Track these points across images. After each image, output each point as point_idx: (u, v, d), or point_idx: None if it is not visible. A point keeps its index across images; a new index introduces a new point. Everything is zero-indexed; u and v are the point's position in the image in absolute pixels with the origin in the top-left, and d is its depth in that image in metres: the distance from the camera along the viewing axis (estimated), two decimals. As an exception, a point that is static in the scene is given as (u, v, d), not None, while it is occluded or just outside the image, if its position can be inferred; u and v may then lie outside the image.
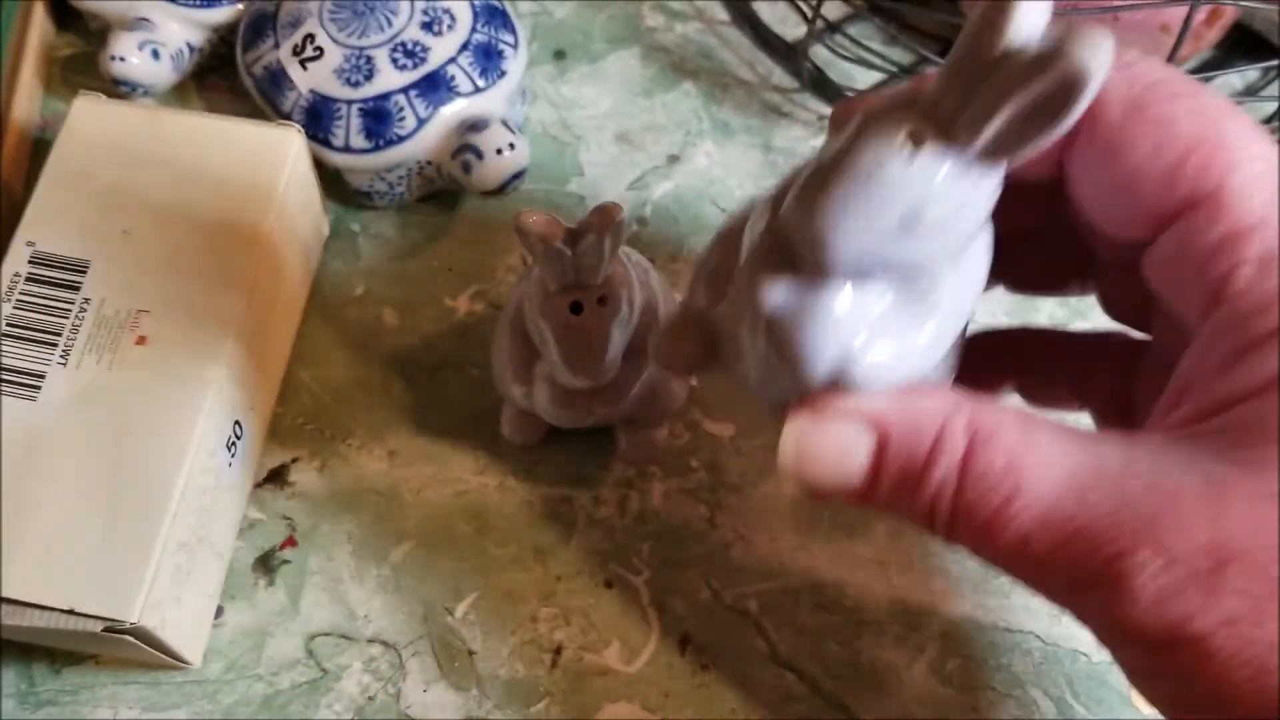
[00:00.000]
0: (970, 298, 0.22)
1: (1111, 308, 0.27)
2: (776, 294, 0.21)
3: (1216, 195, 0.21)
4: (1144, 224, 0.22)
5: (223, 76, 0.43)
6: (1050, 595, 0.21)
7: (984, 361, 0.27)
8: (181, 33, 0.40)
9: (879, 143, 0.19)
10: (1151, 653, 0.20)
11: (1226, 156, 0.20)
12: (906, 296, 0.21)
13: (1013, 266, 0.25)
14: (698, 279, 0.25)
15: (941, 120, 0.19)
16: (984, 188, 0.20)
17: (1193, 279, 0.21)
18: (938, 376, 0.23)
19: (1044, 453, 0.20)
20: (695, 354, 0.25)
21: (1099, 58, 0.17)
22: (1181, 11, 0.38)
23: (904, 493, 0.21)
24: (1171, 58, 0.34)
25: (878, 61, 0.42)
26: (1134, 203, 0.22)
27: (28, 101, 0.42)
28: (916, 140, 0.19)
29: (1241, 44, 0.43)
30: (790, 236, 0.20)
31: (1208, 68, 0.44)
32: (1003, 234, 0.22)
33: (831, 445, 0.22)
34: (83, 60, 0.43)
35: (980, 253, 0.22)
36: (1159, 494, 0.19)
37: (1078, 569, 0.20)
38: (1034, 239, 0.25)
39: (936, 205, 0.19)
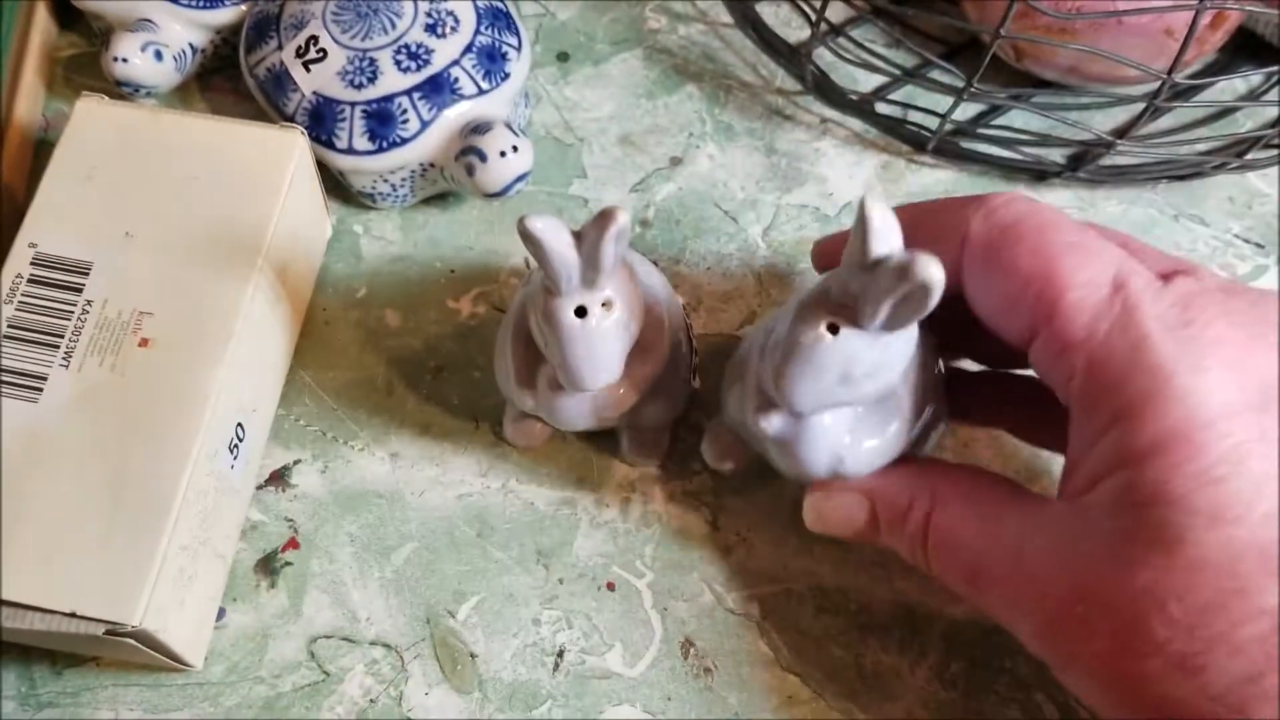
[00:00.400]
0: (922, 393, 0.30)
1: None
2: (774, 423, 0.29)
3: (1051, 321, 0.26)
4: (1015, 336, 0.28)
5: (226, 78, 0.43)
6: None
7: (981, 406, 0.35)
8: (184, 34, 0.40)
9: (808, 334, 0.27)
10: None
11: (1056, 288, 0.26)
12: (872, 406, 0.29)
13: (969, 346, 0.34)
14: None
15: (847, 311, 0.26)
16: (894, 345, 0.27)
17: (1055, 382, 0.27)
18: (906, 447, 0.31)
19: (973, 520, 0.29)
20: (736, 451, 0.35)
21: (937, 272, 0.24)
22: (1186, 17, 0.38)
23: (893, 536, 0.30)
24: (1176, 63, 0.34)
25: (880, 64, 0.42)
26: (1002, 322, 0.28)
27: (30, 102, 0.41)
28: (833, 330, 0.27)
29: (1245, 48, 0.44)
30: (772, 397, 0.29)
31: (1210, 72, 0.44)
32: (955, 322, 0.29)
33: (840, 511, 0.31)
34: (85, 61, 0.43)
35: (923, 362, 0.30)
36: (1030, 563, 0.27)
37: (997, 600, 0.28)
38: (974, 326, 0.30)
39: (859, 365, 0.27)
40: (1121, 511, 0.25)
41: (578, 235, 0.28)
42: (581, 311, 0.29)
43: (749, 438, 0.32)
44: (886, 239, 0.25)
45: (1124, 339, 0.25)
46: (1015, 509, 0.28)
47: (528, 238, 0.27)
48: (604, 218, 0.27)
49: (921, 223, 0.28)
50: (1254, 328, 0.25)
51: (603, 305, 0.29)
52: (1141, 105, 0.42)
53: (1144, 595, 0.24)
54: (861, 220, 0.25)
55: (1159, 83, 0.36)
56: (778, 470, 0.32)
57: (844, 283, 0.26)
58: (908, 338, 0.27)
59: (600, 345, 0.29)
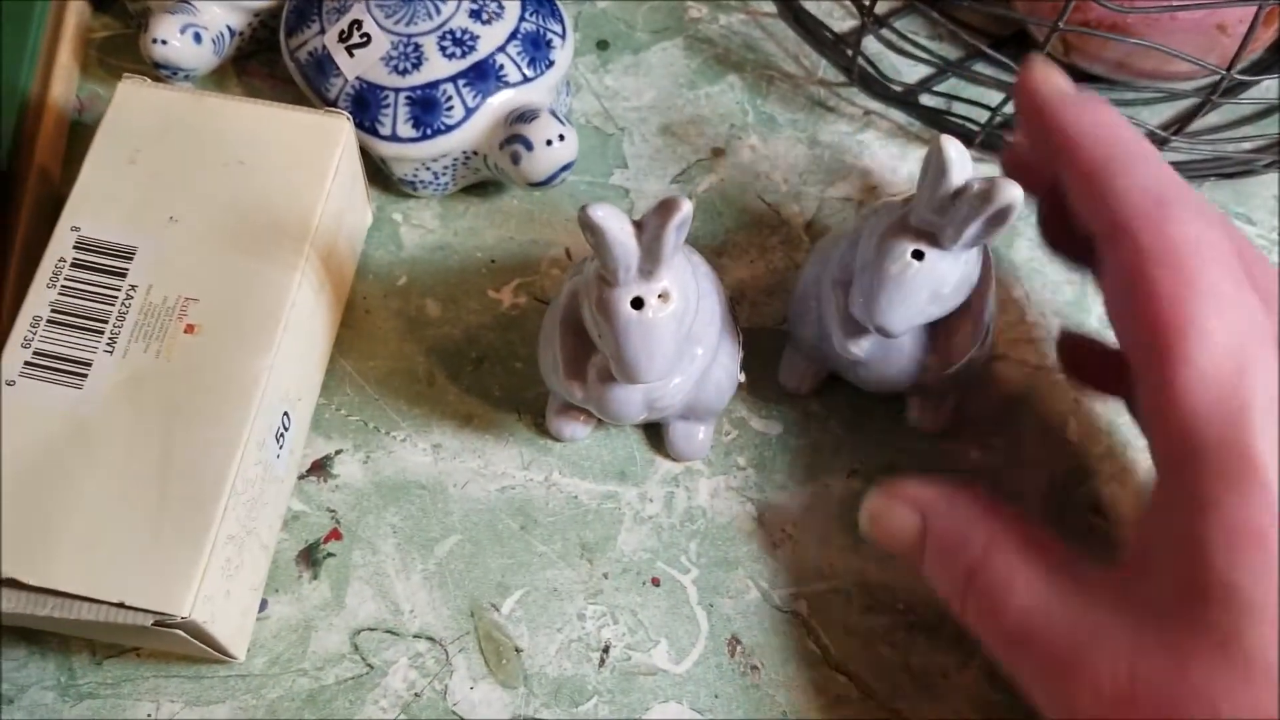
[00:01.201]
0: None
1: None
2: (863, 347, 0.32)
3: (1165, 379, 0.25)
4: (1127, 351, 0.27)
5: (261, 62, 0.42)
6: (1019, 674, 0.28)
7: (1106, 375, 0.34)
8: (223, 16, 0.40)
9: (897, 262, 0.30)
10: None
11: (1181, 352, 0.25)
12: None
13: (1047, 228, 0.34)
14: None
15: (929, 236, 0.30)
16: (973, 260, 0.30)
17: (1146, 424, 0.27)
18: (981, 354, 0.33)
19: (1029, 577, 0.27)
20: (810, 375, 0.37)
21: (1017, 193, 0.27)
22: (1239, 12, 0.38)
23: (940, 567, 0.29)
24: (1236, 58, 0.33)
25: (924, 55, 0.42)
26: (1122, 335, 0.28)
27: (64, 84, 0.41)
28: (918, 255, 0.30)
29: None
30: (863, 323, 0.31)
31: (1256, 69, 0.43)
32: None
33: (895, 522, 0.30)
34: (120, 43, 0.43)
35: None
36: (1080, 635, 0.25)
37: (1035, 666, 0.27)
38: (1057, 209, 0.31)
39: (945, 284, 0.30)
40: (1185, 599, 0.23)
41: (637, 224, 0.28)
42: (638, 303, 0.29)
43: (827, 360, 0.35)
44: (964, 169, 0.28)
45: (1227, 411, 0.24)
46: (1071, 575, 0.27)
47: (589, 226, 0.27)
48: (667, 207, 0.27)
49: (1106, 175, 0.27)
50: None
51: (659, 296, 0.29)
52: (1188, 102, 0.41)
53: (1196, 693, 0.23)
54: (940, 156, 0.28)
55: (1210, 79, 0.35)
56: (859, 386, 0.35)
57: (920, 214, 0.30)
58: (976, 254, 0.31)
59: (657, 337, 0.29)
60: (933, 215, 0.29)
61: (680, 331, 0.30)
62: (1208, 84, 0.37)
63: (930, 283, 0.30)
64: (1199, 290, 0.25)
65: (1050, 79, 0.30)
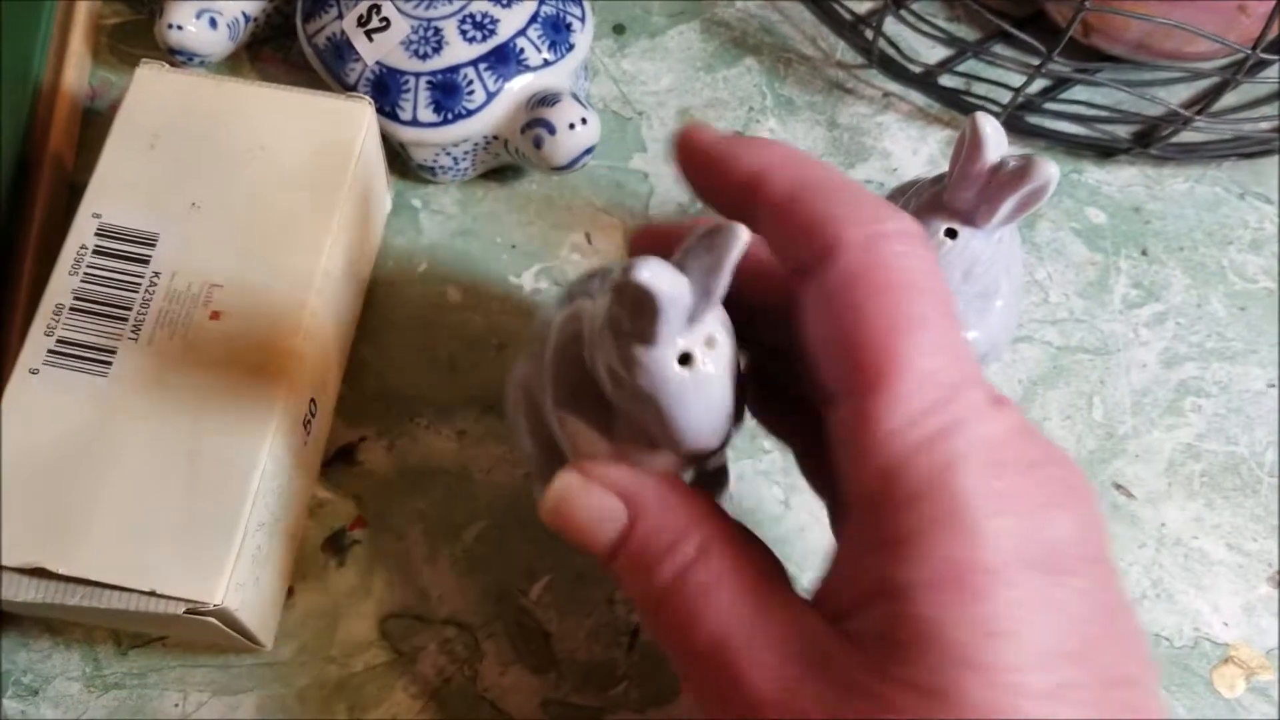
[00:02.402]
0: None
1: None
2: None
3: (869, 397, 0.21)
4: (822, 379, 0.23)
5: (275, 48, 0.42)
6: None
7: (780, 416, 0.29)
8: (239, 1, 0.39)
9: (930, 239, 0.29)
10: None
11: (893, 367, 0.21)
12: (971, 298, 0.32)
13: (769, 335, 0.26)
14: None
15: (963, 214, 0.30)
16: (1005, 239, 0.30)
17: (841, 456, 0.22)
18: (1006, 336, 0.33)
19: (734, 594, 0.23)
20: None
21: (1055, 170, 0.27)
22: (1261, -9, 0.38)
23: (636, 569, 0.24)
24: (1262, 36, 0.33)
25: (943, 36, 0.42)
26: (819, 357, 0.23)
27: (77, 70, 0.41)
28: (950, 234, 0.30)
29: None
30: None
31: (1277, 47, 0.43)
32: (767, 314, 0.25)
33: (592, 511, 0.24)
34: (131, 29, 0.42)
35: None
36: (779, 672, 0.22)
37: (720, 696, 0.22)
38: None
39: (978, 261, 0.30)
40: (887, 648, 0.21)
41: (678, 263, 0.22)
42: (686, 359, 0.22)
43: None
44: (999, 146, 0.28)
45: (935, 453, 0.21)
46: (781, 604, 0.23)
47: (634, 292, 0.21)
48: (724, 240, 0.21)
49: (806, 198, 0.23)
50: (1053, 490, 0.21)
51: (706, 344, 0.23)
52: (1208, 81, 0.41)
53: None
54: (976, 133, 0.28)
55: (1233, 58, 0.35)
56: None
57: (953, 193, 0.30)
58: (1012, 231, 0.31)
59: (717, 394, 0.23)
60: (966, 193, 0.29)
61: (735, 377, 0.24)
62: (1229, 63, 0.37)
63: (963, 261, 0.30)
64: (912, 323, 0.22)
65: (705, 129, 0.25)
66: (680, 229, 0.24)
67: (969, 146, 0.28)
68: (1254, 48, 0.34)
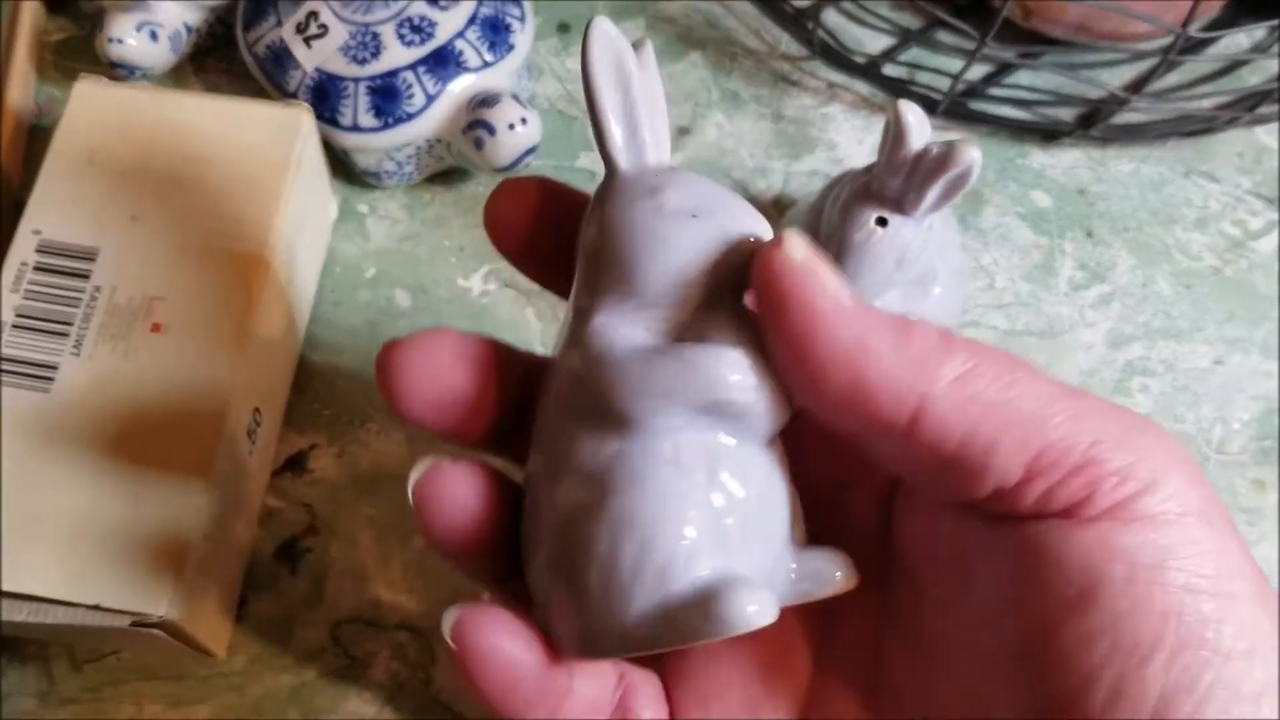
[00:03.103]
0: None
1: None
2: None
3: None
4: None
5: (219, 59, 0.42)
6: None
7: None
8: (179, 13, 0.39)
9: (861, 230, 0.30)
10: None
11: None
12: (913, 283, 0.33)
13: None
14: None
15: (892, 202, 0.30)
16: (935, 225, 0.31)
17: None
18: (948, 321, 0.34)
19: None
20: None
21: (976, 154, 0.28)
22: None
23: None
24: (1191, 15, 0.33)
25: (888, 26, 0.42)
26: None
27: (22, 87, 0.40)
28: (881, 222, 0.30)
29: (1248, 2, 0.43)
30: None
31: (1216, 26, 0.43)
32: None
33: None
34: (76, 44, 0.42)
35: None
36: None
37: None
38: None
39: (909, 248, 0.30)
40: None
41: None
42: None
43: None
44: (922, 133, 0.28)
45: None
46: None
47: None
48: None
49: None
50: None
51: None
52: (1149, 62, 0.41)
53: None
54: (899, 122, 0.28)
55: (1169, 38, 0.35)
56: None
57: (882, 181, 0.30)
58: (944, 217, 0.31)
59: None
60: (894, 181, 0.29)
61: None
62: (1167, 44, 0.37)
63: (895, 249, 0.30)
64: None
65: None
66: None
67: (893, 135, 0.28)
68: (1183, 26, 0.34)
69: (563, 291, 0.22)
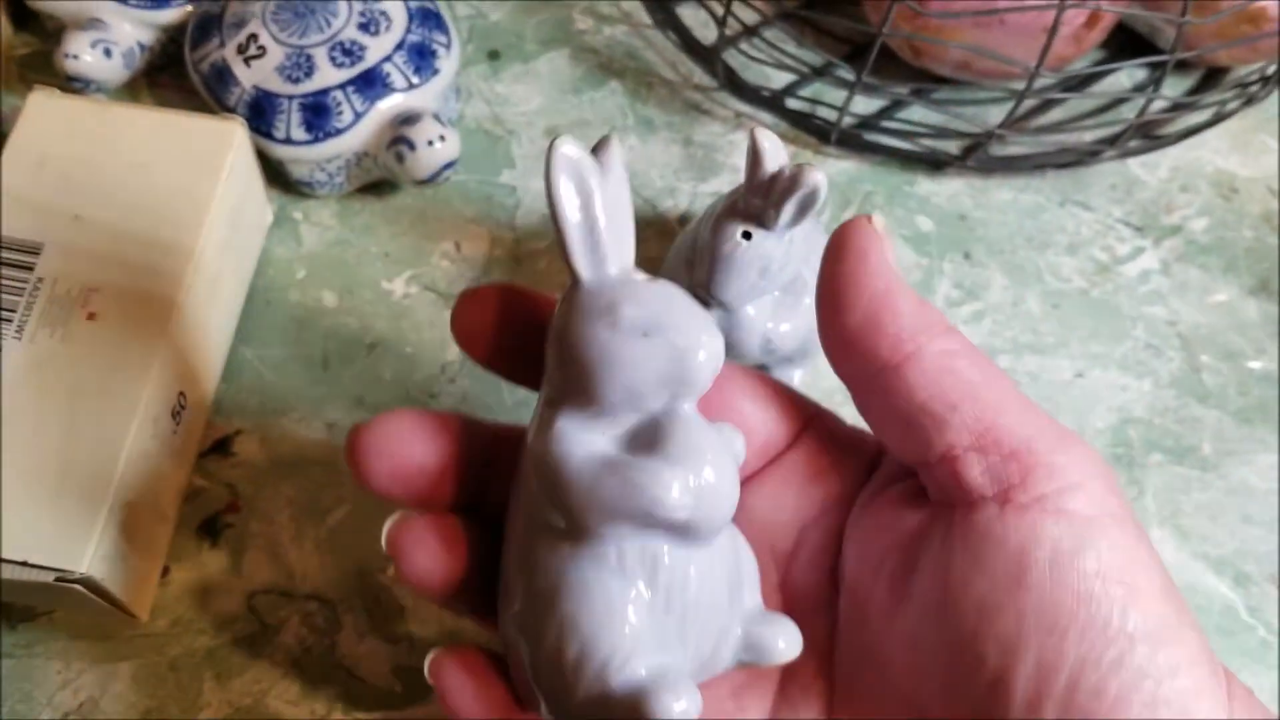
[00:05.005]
0: None
1: None
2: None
3: None
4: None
5: (172, 75, 0.45)
6: None
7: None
8: (133, 32, 0.43)
9: (728, 243, 0.33)
10: None
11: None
12: (787, 290, 0.36)
13: None
14: None
15: (756, 218, 0.33)
16: (796, 238, 0.33)
17: None
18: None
19: None
20: None
21: (820, 177, 0.30)
22: (1070, 15, 0.41)
23: None
24: (1042, 58, 0.37)
25: (789, 62, 0.45)
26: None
27: (-14, 97, 0.44)
28: (746, 236, 0.33)
29: (1130, 44, 0.47)
30: (705, 294, 0.34)
31: (1101, 65, 0.47)
32: None
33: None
34: (39, 59, 0.46)
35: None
36: None
37: None
38: None
39: (771, 260, 0.33)
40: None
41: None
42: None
43: None
44: (776, 158, 0.31)
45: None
46: None
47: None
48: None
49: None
50: None
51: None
52: (1030, 97, 0.45)
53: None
54: (756, 147, 0.31)
55: (1055, 78, 0.39)
56: None
57: (747, 199, 0.33)
58: (806, 229, 0.33)
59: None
60: (755, 199, 0.33)
61: None
62: (1051, 83, 0.41)
63: (758, 260, 0.33)
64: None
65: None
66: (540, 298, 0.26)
67: (751, 157, 0.32)
68: (1036, 66, 0.37)
69: (535, 385, 0.25)
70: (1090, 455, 0.23)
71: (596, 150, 0.24)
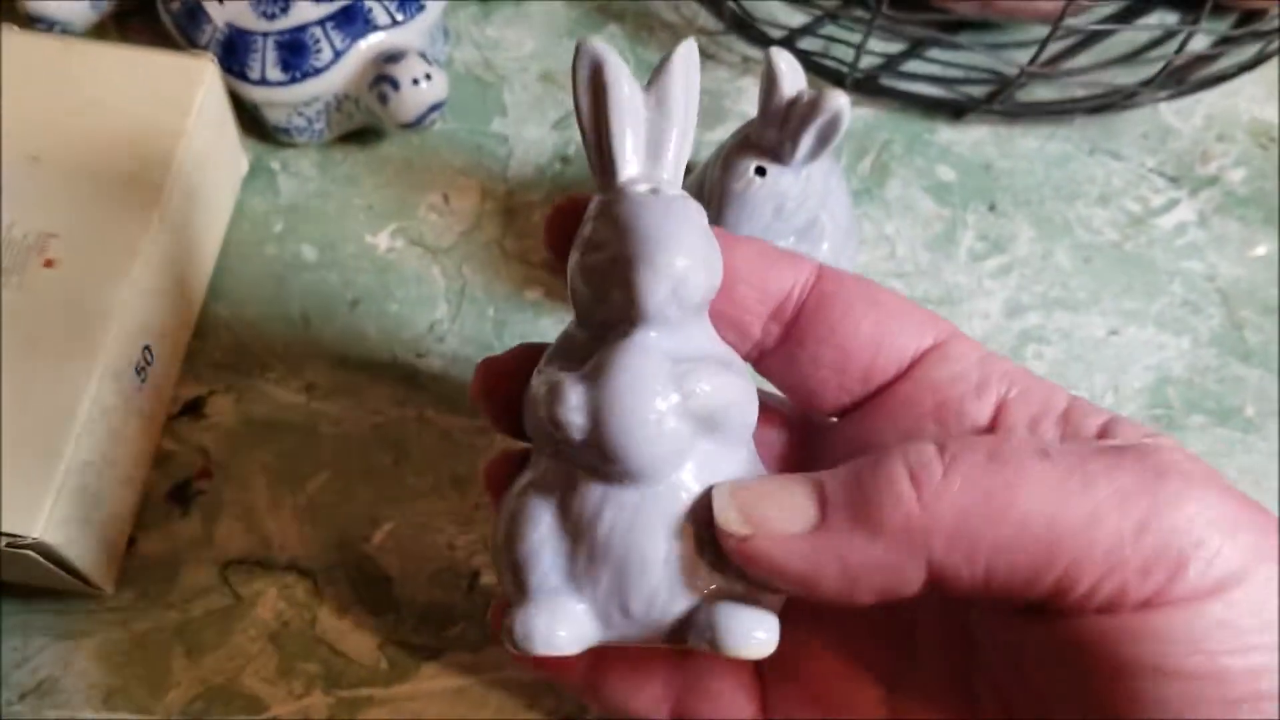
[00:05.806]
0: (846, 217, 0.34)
1: None
2: None
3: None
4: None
5: (143, 21, 0.43)
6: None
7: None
8: (100, -30, 0.40)
9: (740, 180, 0.31)
10: None
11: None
12: (802, 235, 0.33)
13: None
14: None
15: (770, 151, 0.30)
16: (814, 175, 0.31)
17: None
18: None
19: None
20: None
21: (844, 101, 0.28)
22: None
23: (863, 527, 0.20)
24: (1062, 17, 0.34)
25: (800, 2, 0.43)
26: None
27: (-55, 42, 0.41)
28: (760, 172, 0.31)
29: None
30: None
31: (1132, 11, 0.44)
32: None
33: (783, 509, 0.21)
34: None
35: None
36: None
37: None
38: None
39: (787, 198, 0.31)
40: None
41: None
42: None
43: None
44: (794, 82, 0.29)
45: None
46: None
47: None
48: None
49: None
50: None
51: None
52: (1057, 40, 0.42)
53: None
54: (770, 70, 0.29)
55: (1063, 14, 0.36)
56: None
57: (760, 132, 0.30)
58: (824, 168, 0.31)
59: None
60: (771, 131, 0.30)
61: None
62: (1083, 23, 0.38)
63: (773, 198, 0.31)
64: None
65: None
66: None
67: (767, 81, 0.29)
68: (1066, 2, 0.34)
69: None
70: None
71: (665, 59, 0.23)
